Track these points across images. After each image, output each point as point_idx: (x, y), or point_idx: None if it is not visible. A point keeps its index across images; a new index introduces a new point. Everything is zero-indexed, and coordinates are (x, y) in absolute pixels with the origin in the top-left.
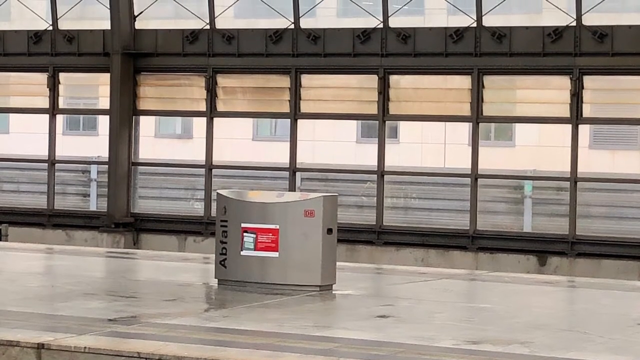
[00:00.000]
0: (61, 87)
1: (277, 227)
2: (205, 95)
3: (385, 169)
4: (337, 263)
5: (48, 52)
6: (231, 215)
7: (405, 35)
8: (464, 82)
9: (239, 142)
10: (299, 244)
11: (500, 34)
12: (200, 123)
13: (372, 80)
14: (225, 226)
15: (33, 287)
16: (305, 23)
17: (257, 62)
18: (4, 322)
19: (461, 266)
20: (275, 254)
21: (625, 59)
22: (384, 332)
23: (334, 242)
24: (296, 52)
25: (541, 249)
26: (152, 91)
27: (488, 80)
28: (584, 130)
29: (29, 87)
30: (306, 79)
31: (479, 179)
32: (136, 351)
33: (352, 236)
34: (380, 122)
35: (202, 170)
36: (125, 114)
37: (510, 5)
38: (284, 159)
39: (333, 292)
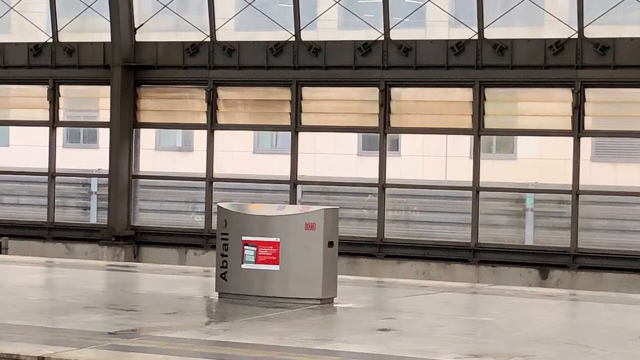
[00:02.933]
0: (61, 100)
1: (278, 240)
2: (205, 107)
3: (387, 182)
4: (338, 276)
5: (48, 64)
6: (232, 228)
7: (407, 47)
8: (465, 94)
9: (240, 154)
10: (300, 257)
11: (501, 46)
12: (200, 136)
13: (373, 93)
14: (226, 239)
15: (33, 300)
16: (306, 35)
17: (258, 75)
18: (4, 336)
19: (462, 279)
20: (276, 267)
21: (627, 71)
22: (385, 345)
23: (335, 255)
24: (297, 65)
25: (543, 262)
26: (152, 104)
27: (489, 92)
28: (586, 143)
29: (29, 99)
30: (307, 92)
31: (480, 192)
32: None
33: (353, 249)
34: (382, 134)
35: (203, 183)
36: (125, 127)
37: (511, 17)
38: (284, 172)
39: (334, 305)
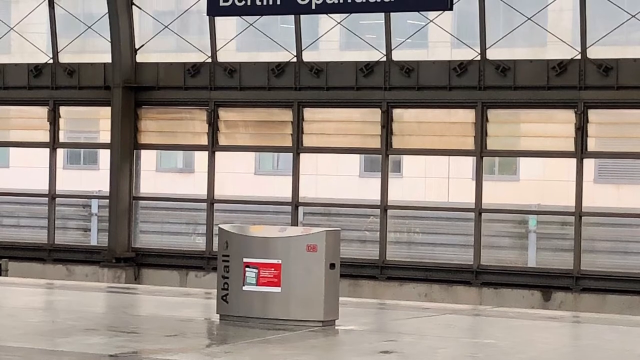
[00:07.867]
0: (62, 121)
1: (280, 262)
2: (206, 129)
3: (389, 204)
4: (340, 298)
5: (48, 85)
6: (233, 250)
7: (409, 68)
8: (467, 115)
9: (241, 176)
10: (302, 279)
11: (504, 67)
12: (201, 157)
13: (375, 114)
14: (227, 261)
15: (33, 322)
16: (307, 56)
17: (259, 96)
18: (4, 358)
19: (465, 301)
20: (277, 289)
21: (630, 92)
22: None
23: (336, 277)
24: (299, 86)
25: (546, 284)
26: (153, 125)
27: (492, 113)
28: (589, 164)
29: (30, 120)
30: (309, 113)
31: (482, 214)
32: None
33: (355, 271)
34: (384, 156)
35: (204, 205)
36: (126, 148)
37: (514, 38)
38: (286, 194)
39: (336, 327)
